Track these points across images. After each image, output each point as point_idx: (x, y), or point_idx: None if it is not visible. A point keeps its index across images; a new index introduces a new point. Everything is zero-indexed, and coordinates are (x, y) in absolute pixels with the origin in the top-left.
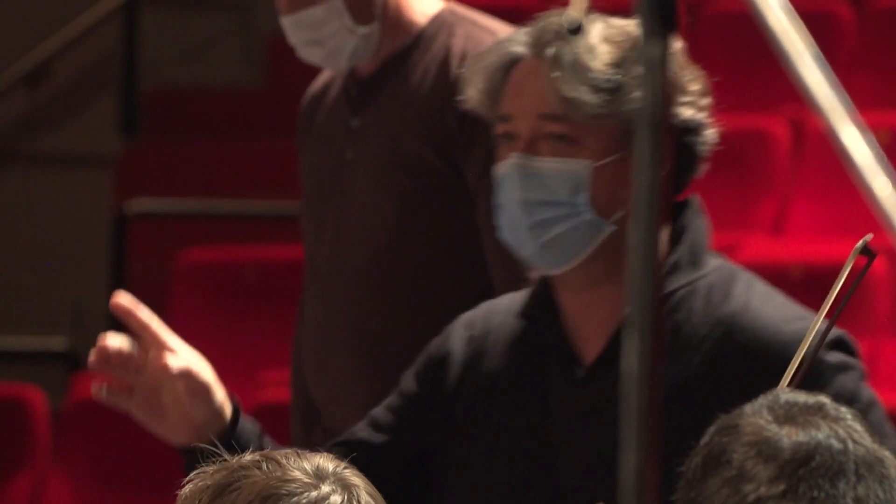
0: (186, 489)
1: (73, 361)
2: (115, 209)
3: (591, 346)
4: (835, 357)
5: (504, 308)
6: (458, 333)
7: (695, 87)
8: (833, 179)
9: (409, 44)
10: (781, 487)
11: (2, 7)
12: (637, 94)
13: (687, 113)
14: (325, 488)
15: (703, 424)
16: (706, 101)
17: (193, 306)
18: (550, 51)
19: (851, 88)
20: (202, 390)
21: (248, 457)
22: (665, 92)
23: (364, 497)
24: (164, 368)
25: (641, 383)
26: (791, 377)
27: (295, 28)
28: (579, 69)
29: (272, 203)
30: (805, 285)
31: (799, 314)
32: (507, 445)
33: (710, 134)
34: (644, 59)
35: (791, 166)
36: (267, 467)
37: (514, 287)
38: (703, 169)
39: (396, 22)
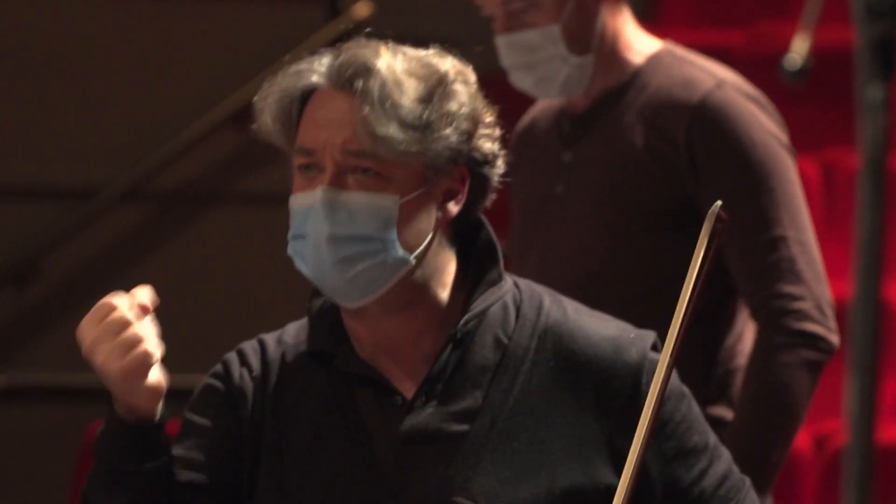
0: None
1: None
2: None
3: (397, 373)
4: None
5: (292, 340)
6: (237, 368)
7: (489, 118)
8: None
9: (625, 81)
10: None
11: (209, 46)
12: (446, 131)
13: (486, 146)
14: None
15: (552, 436)
16: (498, 132)
17: None
18: (358, 84)
19: None
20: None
21: None
22: (886, 135)
23: None
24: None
25: (862, 425)
26: (661, 384)
27: (508, 49)
28: (389, 105)
29: None
30: None
31: (607, 318)
32: (328, 468)
33: (501, 164)
34: (865, 102)
35: None
36: None
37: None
38: (492, 198)
39: (612, 57)
